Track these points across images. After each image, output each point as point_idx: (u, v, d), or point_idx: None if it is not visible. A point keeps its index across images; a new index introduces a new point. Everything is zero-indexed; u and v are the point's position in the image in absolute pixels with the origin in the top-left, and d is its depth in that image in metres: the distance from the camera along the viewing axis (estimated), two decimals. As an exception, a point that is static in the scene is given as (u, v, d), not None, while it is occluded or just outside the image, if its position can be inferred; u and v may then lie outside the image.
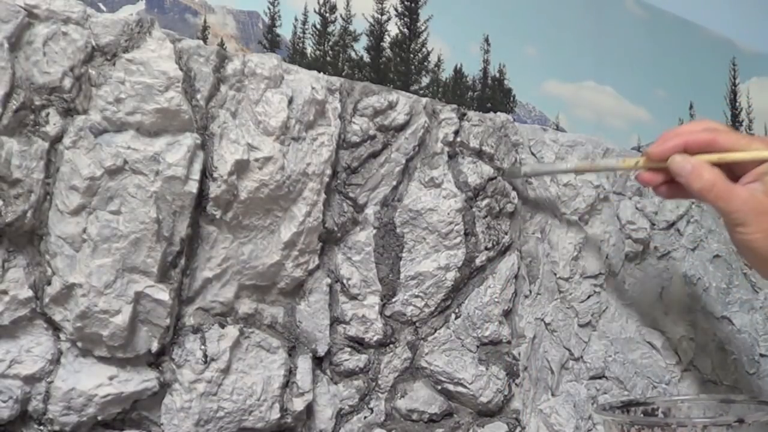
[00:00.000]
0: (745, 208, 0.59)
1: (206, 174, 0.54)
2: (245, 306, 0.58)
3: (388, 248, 0.65)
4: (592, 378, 0.77)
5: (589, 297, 0.77)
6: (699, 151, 0.61)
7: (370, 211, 0.64)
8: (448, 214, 0.66)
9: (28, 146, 0.48)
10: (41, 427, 0.50)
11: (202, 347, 0.55)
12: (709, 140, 0.61)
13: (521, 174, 0.71)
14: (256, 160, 0.56)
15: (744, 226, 0.59)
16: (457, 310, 0.68)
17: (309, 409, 0.60)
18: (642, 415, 0.60)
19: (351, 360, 0.63)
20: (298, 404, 0.58)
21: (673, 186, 0.63)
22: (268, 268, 0.58)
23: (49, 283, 0.50)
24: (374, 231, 0.64)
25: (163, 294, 0.52)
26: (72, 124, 0.50)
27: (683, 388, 0.83)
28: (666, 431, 0.52)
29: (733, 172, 0.61)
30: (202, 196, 0.54)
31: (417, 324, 0.66)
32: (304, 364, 0.60)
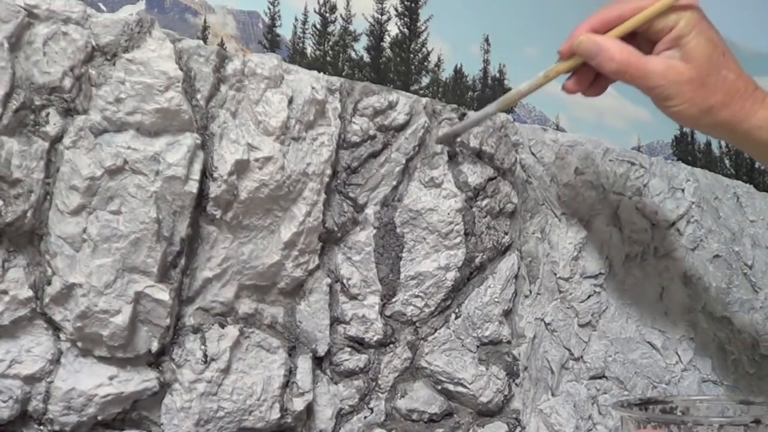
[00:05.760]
0: (665, 81, 0.55)
1: (206, 174, 0.54)
2: (245, 306, 0.58)
3: (388, 248, 0.65)
4: (592, 378, 0.77)
5: (589, 297, 0.77)
6: (609, 29, 0.56)
7: (370, 211, 0.64)
8: (448, 214, 0.66)
9: (28, 146, 0.48)
10: (41, 427, 0.50)
11: (202, 347, 0.55)
12: (615, 16, 0.56)
13: (451, 133, 0.67)
14: (256, 160, 0.56)
15: (669, 100, 0.55)
16: (457, 310, 0.68)
17: (309, 409, 0.60)
18: (660, 413, 0.60)
19: (351, 360, 0.63)
20: (298, 404, 0.58)
21: (601, 79, 0.59)
22: (268, 268, 0.58)
23: (49, 283, 0.50)
24: (374, 231, 0.64)
25: (163, 294, 0.52)
26: (72, 124, 0.50)
27: (683, 389, 0.83)
28: (682, 429, 0.52)
29: (650, 39, 0.56)
30: (202, 196, 0.54)
31: (417, 324, 0.66)
32: (304, 364, 0.60)
